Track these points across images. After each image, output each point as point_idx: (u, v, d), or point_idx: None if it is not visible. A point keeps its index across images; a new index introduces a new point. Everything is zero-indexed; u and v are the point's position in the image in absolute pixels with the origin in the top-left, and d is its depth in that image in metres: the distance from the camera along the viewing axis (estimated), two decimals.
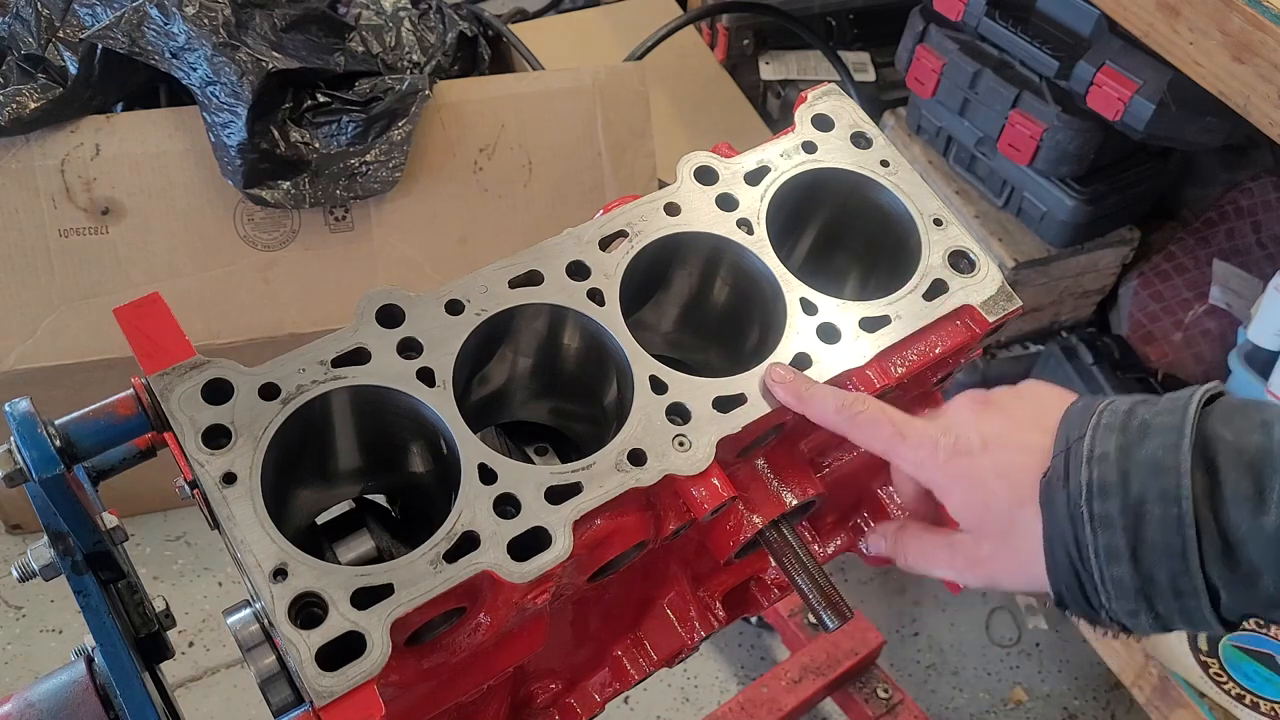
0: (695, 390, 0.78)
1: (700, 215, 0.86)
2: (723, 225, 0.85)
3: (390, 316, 0.77)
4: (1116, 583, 0.65)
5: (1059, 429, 0.70)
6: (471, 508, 0.70)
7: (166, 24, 1.65)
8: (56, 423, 0.71)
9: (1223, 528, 0.62)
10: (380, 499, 0.86)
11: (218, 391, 0.72)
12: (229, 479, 0.69)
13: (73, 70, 1.67)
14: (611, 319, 0.80)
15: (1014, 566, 0.71)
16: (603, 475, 0.73)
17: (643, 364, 0.78)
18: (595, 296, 0.80)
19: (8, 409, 0.69)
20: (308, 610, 0.66)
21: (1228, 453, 0.63)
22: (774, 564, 0.93)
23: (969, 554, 0.74)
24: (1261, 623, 1.46)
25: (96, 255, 1.71)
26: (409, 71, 1.88)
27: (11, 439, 0.69)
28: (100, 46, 1.65)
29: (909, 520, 0.81)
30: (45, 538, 0.77)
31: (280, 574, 0.66)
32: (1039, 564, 0.69)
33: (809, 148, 0.90)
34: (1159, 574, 0.64)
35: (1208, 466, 0.63)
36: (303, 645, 0.64)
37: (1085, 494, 0.65)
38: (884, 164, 0.90)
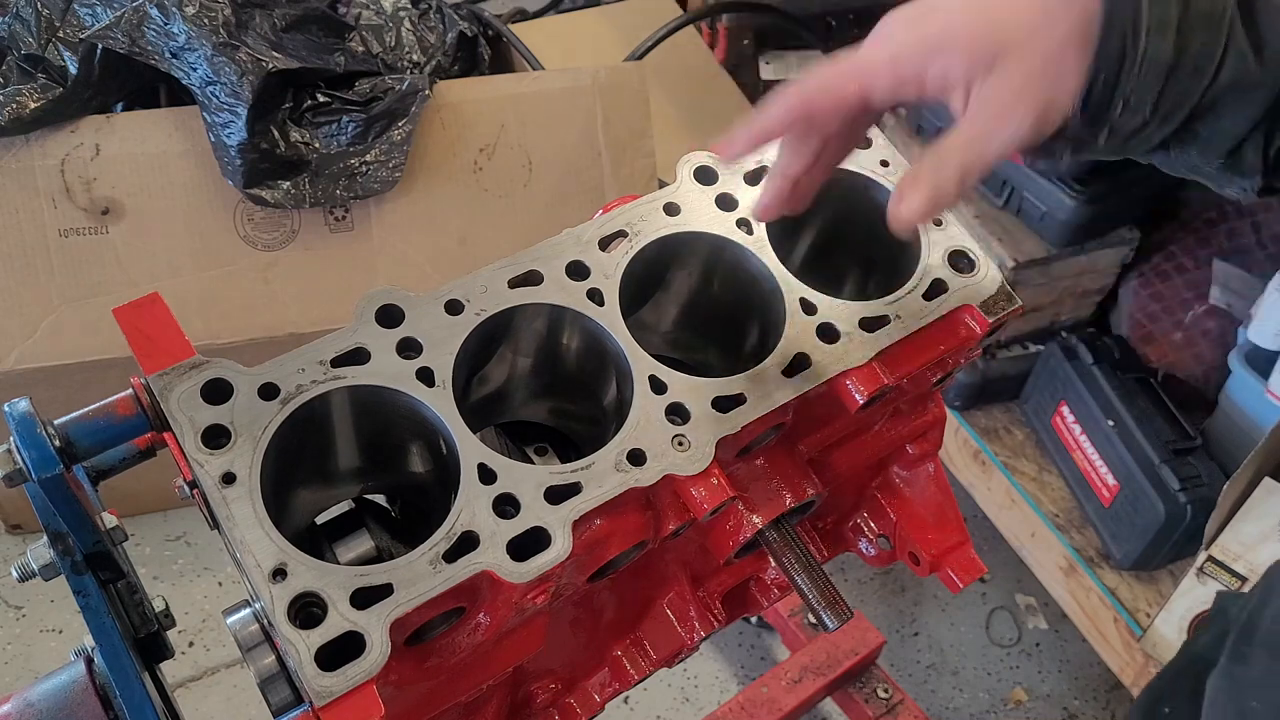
0: (695, 390, 0.78)
1: (700, 215, 0.86)
2: (722, 225, 0.85)
3: (390, 316, 0.77)
4: (1153, 60, 0.70)
5: None
6: (471, 508, 0.70)
7: (166, 24, 1.65)
8: (56, 423, 0.71)
9: (1248, 5, 0.70)
10: (380, 499, 0.86)
11: (217, 391, 0.72)
12: (228, 479, 0.69)
13: (73, 70, 1.67)
14: (611, 319, 0.80)
15: (1049, 71, 0.70)
16: (602, 475, 0.73)
17: (642, 364, 0.78)
18: (595, 296, 0.80)
19: (8, 409, 0.69)
20: (307, 610, 0.66)
21: None
22: (774, 564, 0.93)
23: (1005, 92, 0.70)
24: None
25: (96, 255, 1.71)
26: (409, 71, 1.88)
27: (11, 439, 0.69)
28: (100, 46, 1.65)
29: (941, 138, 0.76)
30: (45, 538, 0.77)
31: (280, 574, 0.66)
32: (1071, 62, 0.70)
33: None
34: (1192, 44, 0.70)
35: None
36: (302, 645, 0.64)
37: None
38: (884, 164, 0.90)
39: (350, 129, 1.73)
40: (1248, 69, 0.71)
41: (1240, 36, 0.71)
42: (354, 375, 0.74)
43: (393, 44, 1.91)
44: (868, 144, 0.91)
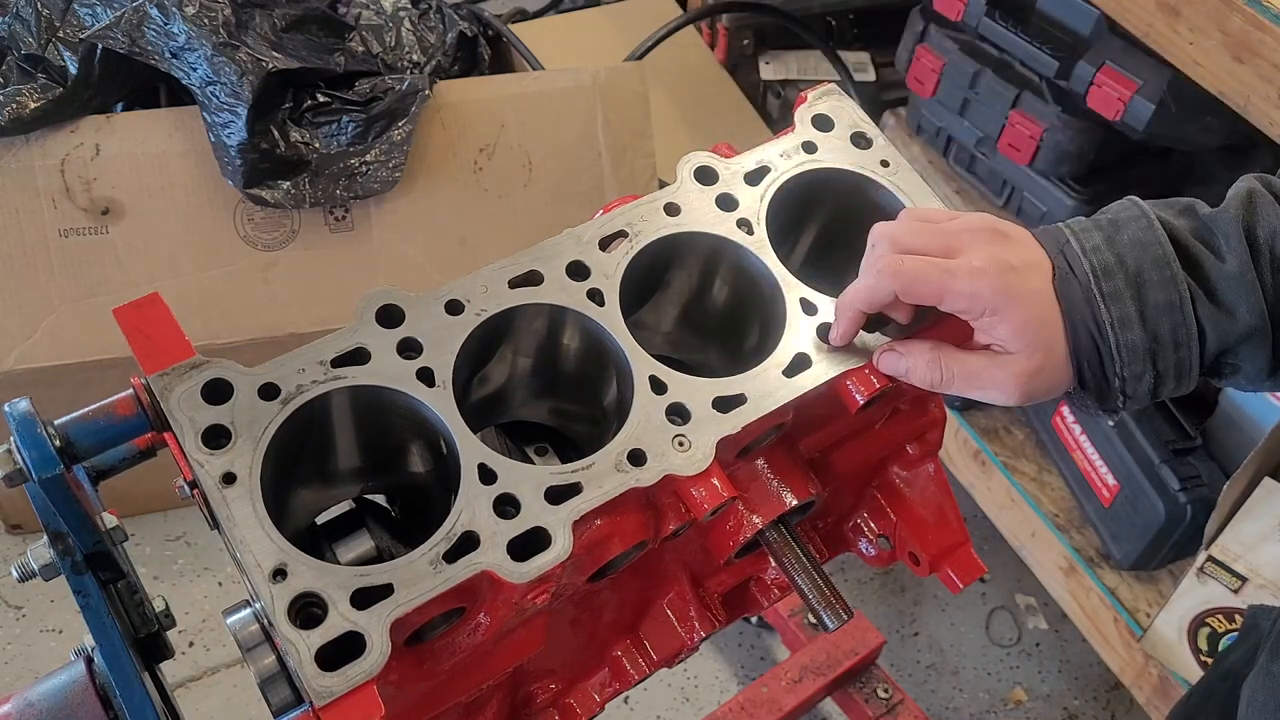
0: (695, 390, 0.78)
1: (700, 215, 0.86)
2: (722, 225, 0.85)
3: (390, 316, 0.77)
4: (1130, 348, 0.76)
5: (1042, 243, 0.80)
6: (471, 508, 0.70)
7: (166, 24, 1.65)
8: (56, 423, 0.71)
9: (1202, 279, 0.77)
10: (380, 499, 0.86)
11: (217, 391, 0.72)
12: (228, 479, 0.69)
13: (73, 70, 1.67)
14: (611, 319, 0.80)
15: (1057, 373, 0.79)
16: (602, 475, 0.73)
17: (642, 364, 0.78)
18: (595, 296, 0.80)
19: (8, 409, 0.69)
20: (307, 610, 0.66)
21: (1179, 229, 0.78)
22: (774, 564, 0.93)
23: (1020, 370, 0.78)
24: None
25: (96, 255, 1.71)
26: (409, 71, 1.88)
27: (11, 439, 0.69)
28: (100, 46, 1.65)
29: (942, 341, 0.81)
30: (45, 538, 0.77)
31: (280, 574, 0.66)
32: (1068, 363, 0.78)
33: (809, 148, 0.90)
34: (1163, 329, 0.76)
35: (1172, 239, 0.77)
36: (302, 645, 0.64)
37: (1093, 279, 0.76)
38: (884, 164, 0.90)
39: (350, 129, 1.73)
40: (1231, 332, 0.77)
41: (1209, 311, 0.76)
42: (354, 375, 0.74)
43: (393, 44, 1.91)
44: (868, 144, 0.91)
